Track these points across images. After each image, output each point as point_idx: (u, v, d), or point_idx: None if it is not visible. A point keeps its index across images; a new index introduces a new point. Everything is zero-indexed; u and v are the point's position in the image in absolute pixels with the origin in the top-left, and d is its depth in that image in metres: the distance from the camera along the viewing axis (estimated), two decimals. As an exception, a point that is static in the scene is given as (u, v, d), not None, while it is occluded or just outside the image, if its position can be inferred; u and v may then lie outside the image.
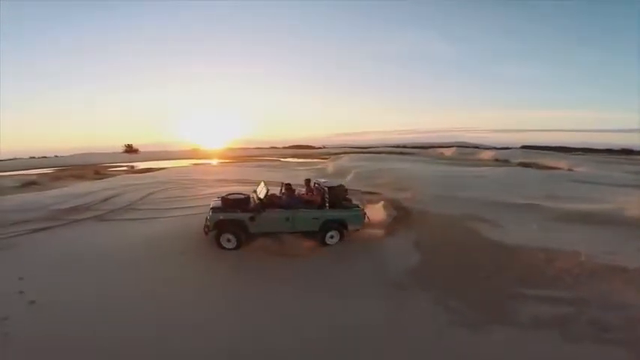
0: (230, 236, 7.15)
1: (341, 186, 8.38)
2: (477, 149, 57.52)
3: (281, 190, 8.41)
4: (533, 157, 39.17)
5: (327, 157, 52.84)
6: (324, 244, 7.71)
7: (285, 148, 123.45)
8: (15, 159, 72.68)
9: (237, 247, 7.15)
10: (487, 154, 43.94)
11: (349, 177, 17.25)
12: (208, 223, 7.22)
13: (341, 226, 7.81)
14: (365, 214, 8.14)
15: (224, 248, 7.14)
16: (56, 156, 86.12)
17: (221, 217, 7.19)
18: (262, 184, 8.12)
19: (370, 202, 10.83)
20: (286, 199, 7.90)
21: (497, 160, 36.69)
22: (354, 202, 8.65)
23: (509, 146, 77.76)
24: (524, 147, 74.95)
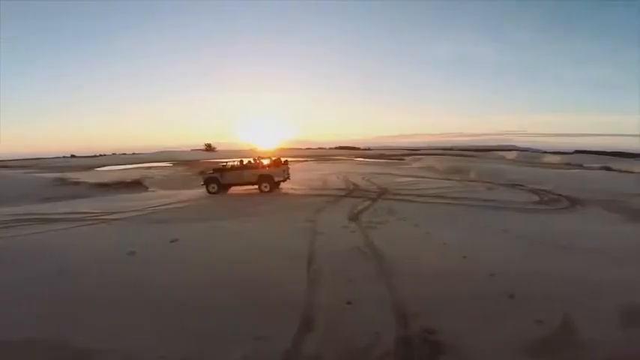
0: (213, 185, 13.44)
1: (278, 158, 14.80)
2: (536, 153, 59.52)
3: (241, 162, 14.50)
4: (603, 161, 41.45)
5: (398, 157, 56.87)
6: (261, 191, 13.20)
7: (332, 148, 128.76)
8: (113, 154, 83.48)
9: (217, 192, 13.31)
10: (553, 158, 46.38)
11: (471, 174, 21.65)
12: (202, 181, 13.83)
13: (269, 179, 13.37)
14: (286, 170, 14.13)
15: (211, 192, 13.27)
16: (134, 153, 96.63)
17: (206, 176, 13.87)
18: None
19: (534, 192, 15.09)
20: (240, 165, 14.03)
21: (569, 164, 39.38)
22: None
23: (562, 151, 77.93)
24: (578, 152, 74.88)
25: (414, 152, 69.46)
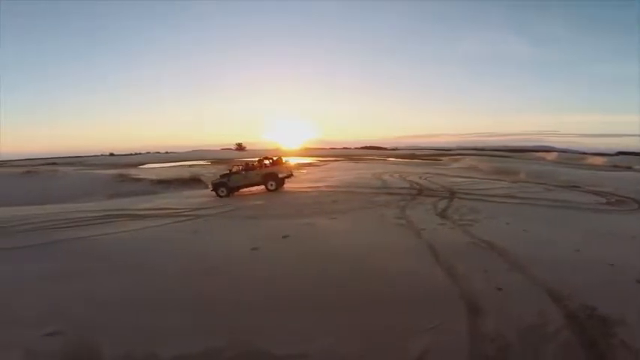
0: (222, 189, 14.21)
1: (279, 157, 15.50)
2: (576, 154, 57.31)
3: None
4: (652, 163, 39.47)
5: (433, 157, 56.35)
6: (268, 189, 14.12)
7: (357, 148, 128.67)
8: (148, 153, 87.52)
9: (227, 195, 14.02)
10: (597, 160, 44.65)
11: (521, 175, 21.41)
12: (210, 186, 14.95)
13: (274, 177, 14.26)
14: (289, 168, 15.66)
15: (220, 196, 13.97)
16: (167, 152, 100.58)
17: (215, 182, 14.81)
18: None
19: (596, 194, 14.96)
20: (244, 167, 15.10)
21: (616, 166, 37.78)
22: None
23: (603, 152, 74.55)
24: (621, 153, 71.57)
25: (447, 152, 68.41)
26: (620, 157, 47.38)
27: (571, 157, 50.53)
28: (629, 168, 35.50)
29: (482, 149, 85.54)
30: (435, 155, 60.04)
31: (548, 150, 65.18)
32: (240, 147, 77.61)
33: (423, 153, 72.60)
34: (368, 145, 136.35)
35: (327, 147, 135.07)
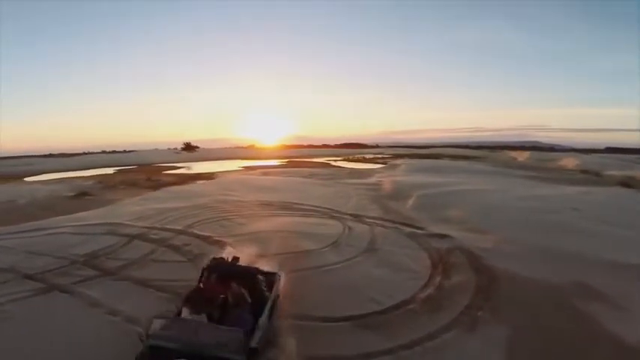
0: None
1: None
2: (554, 152, 50.83)
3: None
4: (629, 167, 33.04)
5: (381, 160, 50.43)
6: None
7: (337, 146, 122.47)
8: (87, 153, 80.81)
9: None
10: (569, 162, 38.10)
11: (410, 203, 15.21)
12: None
13: None
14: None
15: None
16: (125, 151, 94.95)
17: None
18: None
19: (439, 252, 8.92)
20: None
21: (584, 171, 31.26)
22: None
23: (592, 147, 68.24)
24: (609, 149, 65.33)
25: (402, 155, 61.74)
26: (597, 158, 40.96)
27: (542, 157, 43.99)
28: (597, 175, 29.03)
29: (459, 146, 79.14)
30: (388, 156, 53.46)
31: (522, 147, 59.02)
32: (189, 147, 65.41)
33: (382, 153, 65.78)
34: (348, 143, 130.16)
35: (305, 144, 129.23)
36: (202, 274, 5.41)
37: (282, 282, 5.73)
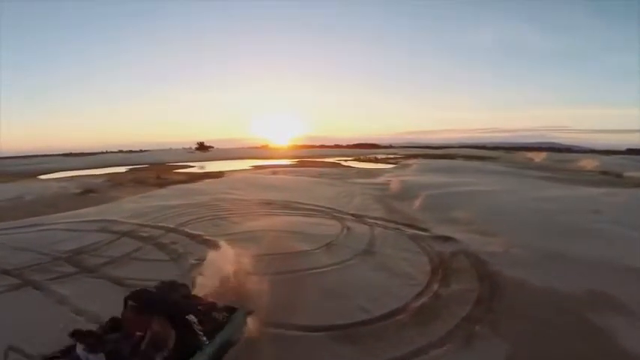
0: None
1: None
2: (572, 153, 48.76)
3: None
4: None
5: (393, 160, 49.50)
6: None
7: (349, 146, 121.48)
8: (105, 152, 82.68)
9: None
10: (588, 163, 36.32)
11: (416, 203, 14.52)
12: None
13: None
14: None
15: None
16: (141, 150, 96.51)
17: None
18: None
19: (441, 256, 8.27)
20: None
21: (604, 172, 29.71)
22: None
23: (612, 149, 65.47)
24: (630, 150, 62.41)
25: (416, 155, 60.37)
26: (618, 159, 38.88)
27: (559, 158, 42.13)
28: (618, 176, 27.50)
29: (475, 146, 77.13)
30: (400, 157, 52.40)
31: (539, 148, 56.96)
32: (202, 147, 65.64)
33: (395, 153, 64.59)
34: (362, 143, 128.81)
35: (317, 144, 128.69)
36: (125, 302, 4.15)
37: (247, 321, 4.76)
